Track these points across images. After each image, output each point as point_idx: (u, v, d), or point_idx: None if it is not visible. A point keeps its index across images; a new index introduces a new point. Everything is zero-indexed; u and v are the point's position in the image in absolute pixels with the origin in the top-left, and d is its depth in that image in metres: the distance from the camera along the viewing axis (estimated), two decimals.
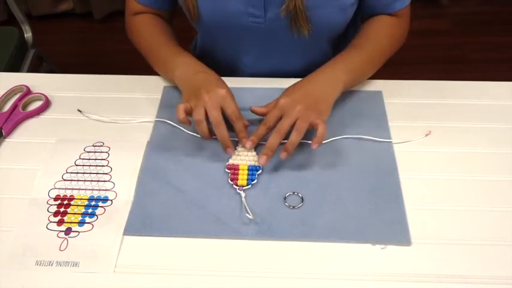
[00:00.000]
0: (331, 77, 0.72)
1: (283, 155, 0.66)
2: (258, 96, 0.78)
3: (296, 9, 0.72)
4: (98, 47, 2.09)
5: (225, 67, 0.88)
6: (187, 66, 0.75)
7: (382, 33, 0.80)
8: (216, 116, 0.66)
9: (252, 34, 0.80)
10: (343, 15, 0.77)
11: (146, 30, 0.83)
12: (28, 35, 1.42)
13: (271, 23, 0.77)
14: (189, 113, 0.68)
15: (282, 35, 0.78)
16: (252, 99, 0.78)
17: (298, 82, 0.72)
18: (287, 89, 0.71)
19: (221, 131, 0.66)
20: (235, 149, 0.70)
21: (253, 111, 0.72)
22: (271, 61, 0.86)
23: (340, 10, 0.75)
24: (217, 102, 0.66)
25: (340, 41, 0.87)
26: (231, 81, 0.73)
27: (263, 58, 0.85)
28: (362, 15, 0.83)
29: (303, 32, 0.76)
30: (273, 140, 0.65)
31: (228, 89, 0.69)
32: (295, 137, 0.64)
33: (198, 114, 0.66)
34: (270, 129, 0.68)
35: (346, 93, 0.77)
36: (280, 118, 0.66)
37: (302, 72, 0.74)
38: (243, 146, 0.69)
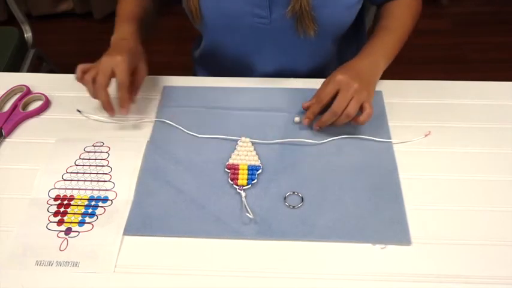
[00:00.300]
0: (372, 63, 0.74)
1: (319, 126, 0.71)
2: (264, 96, 0.78)
3: (302, 10, 0.72)
4: (98, 47, 2.06)
5: (231, 68, 0.87)
6: (119, 33, 0.76)
7: (407, 14, 0.82)
8: (98, 80, 0.68)
9: (257, 35, 0.80)
10: (349, 14, 0.77)
11: (127, 2, 0.85)
12: (28, 35, 1.42)
13: (276, 23, 0.77)
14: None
15: (288, 35, 0.78)
16: (259, 99, 0.78)
17: (346, 64, 0.72)
18: (339, 69, 0.71)
19: (100, 95, 0.69)
20: (235, 148, 0.70)
21: (305, 108, 0.74)
22: (278, 61, 0.85)
23: (346, 8, 0.76)
24: (109, 66, 0.68)
25: (343, 41, 0.87)
26: (238, 82, 0.73)
27: (269, 58, 0.85)
28: (379, 2, 0.84)
29: (308, 32, 0.76)
30: (328, 118, 0.69)
31: (125, 57, 0.69)
32: (344, 120, 0.68)
33: (88, 75, 0.69)
34: (325, 106, 0.70)
35: None
36: (334, 94, 0.68)
37: (309, 72, 0.74)
38: (121, 114, 0.71)
